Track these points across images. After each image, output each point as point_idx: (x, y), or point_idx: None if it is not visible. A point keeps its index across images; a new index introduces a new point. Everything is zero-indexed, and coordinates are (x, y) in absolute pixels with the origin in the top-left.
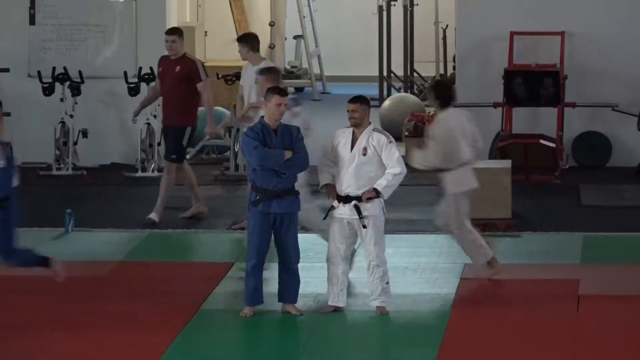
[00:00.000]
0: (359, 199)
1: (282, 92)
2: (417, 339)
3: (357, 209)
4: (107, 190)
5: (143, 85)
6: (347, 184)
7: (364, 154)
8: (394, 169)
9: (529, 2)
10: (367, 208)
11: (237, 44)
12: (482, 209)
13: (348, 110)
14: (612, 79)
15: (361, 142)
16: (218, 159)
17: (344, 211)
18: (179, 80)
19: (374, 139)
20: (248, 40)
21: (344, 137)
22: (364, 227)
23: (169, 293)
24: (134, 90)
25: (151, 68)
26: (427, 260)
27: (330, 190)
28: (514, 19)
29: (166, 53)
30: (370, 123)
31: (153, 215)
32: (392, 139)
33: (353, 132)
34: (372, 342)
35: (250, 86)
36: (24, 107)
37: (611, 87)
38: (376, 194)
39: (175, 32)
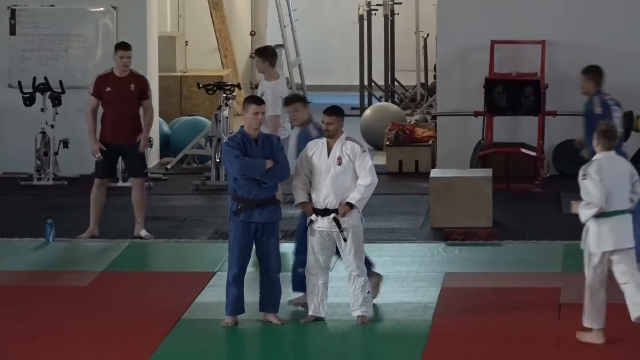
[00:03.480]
0: (337, 211)
1: (258, 101)
2: (399, 348)
3: (337, 221)
4: (88, 201)
5: None
6: (325, 195)
7: (339, 164)
8: (365, 180)
9: (510, 11)
10: (346, 220)
11: (256, 57)
12: (463, 218)
13: (323, 122)
14: None
15: (335, 152)
16: (199, 169)
17: (323, 224)
18: (135, 99)
19: (348, 147)
20: (268, 56)
21: (317, 148)
22: (345, 240)
23: (150, 303)
24: None
25: None
26: (408, 269)
27: (307, 207)
28: (494, 27)
29: (102, 71)
30: (343, 132)
31: (143, 232)
32: (366, 148)
33: (327, 142)
34: (353, 351)
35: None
36: (4, 118)
37: None
38: (350, 207)
39: (130, 47)
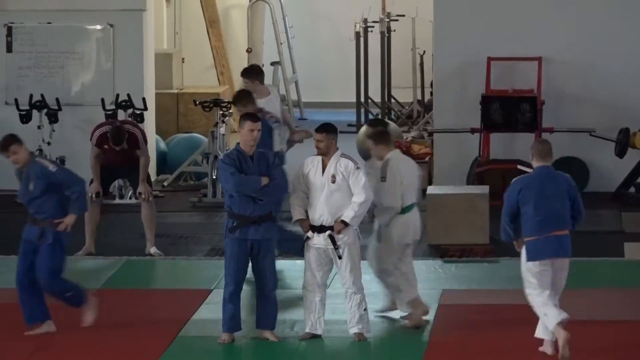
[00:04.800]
0: (332, 228)
1: (254, 118)
2: None
3: (332, 239)
4: (84, 218)
5: (120, 112)
6: (320, 213)
7: (333, 181)
8: (359, 197)
9: (506, 27)
10: (341, 237)
11: (243, 79)
12: (459, 235)
13: (315, 140)
14: (589, 104)
15: (329, 170)
16: (195, 186)
17: (319, 241)
18: (131, 151)
19: (342, 165)
20: (255, 74)
21: (313, 165)
22: (340, 257)
23: (146, 320)
24: (111, 117)
25: (129, 95)
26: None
27: (304, 223)
28: (491, 44)
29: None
30: (337, 149)
31: (153, 250)
32: (360, 165)
33: (322, 159)
34: None
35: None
36: (0, 135)
37: (588, 112)
38: (345, 225)
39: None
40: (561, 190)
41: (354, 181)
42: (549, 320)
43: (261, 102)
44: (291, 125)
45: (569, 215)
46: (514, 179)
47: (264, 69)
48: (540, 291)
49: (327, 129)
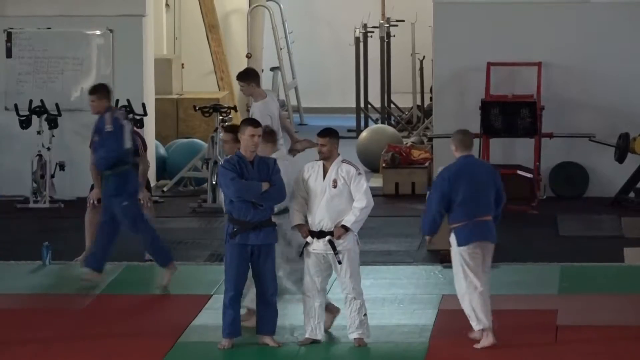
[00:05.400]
0: (332, 234)
1: (255, 124)
2: None
3: (332, 244)
4: (84, 223)
5: None
6: (320, 218)
7: (334, 186)
8: (360, 203)
9: (506, 33)
10: (341, 242)
11: (239, 83)
12: None
13: (317, 144)
14: (589, 109)
15: (331, 175)
16: (195, 191)
17: (318, 246)
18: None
19: (343, 170)
20: (251, 77)
21: (313, 170)
22: (340, 262)
23: (146, 325)
24: None
25: (128, 100)
26: (405, 291)
27: (303, 229)
28: (490, 49)
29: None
30: (339, 154)
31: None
32: (362, 170)
33: (323, 164)
34: None
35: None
36: (0, 140)
37: (588, 117)
38: (345, 230)
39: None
40: (487, 177)
41: (355, 187)
42: (474, 323)
43: (258, 105)
44: (292, 133)
45: (493, 202)
46: (441, 170)
47: (263, 74)
48: (472, 289)
49: (331, 133)
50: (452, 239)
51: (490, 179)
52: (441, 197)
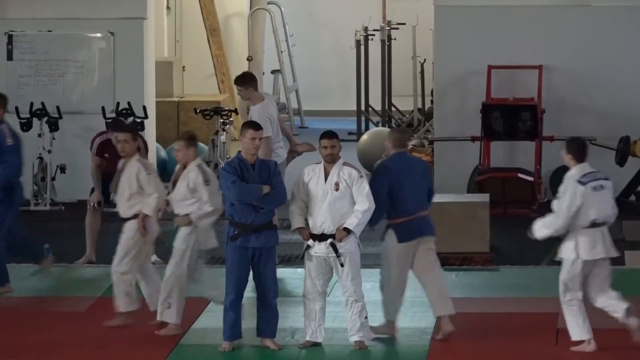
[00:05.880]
0: (334, 236)
1: (256, 127)
2: None
3: (334, 247)
4: (85, 226)
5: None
6: (322, 221)
7: (337, 189)
8: (363, 205)
9: (507, 36)
10: (343, 245)
11: (237, 87)
12: (460, 243)
13: (325, 147)
14: (589, 112)
15: (332, 177)
16: None
17: (320, 249)
18: None
19: (345, 173)
20: (249, 81)
21: (314, 173)
22: (342, 265)
23: (147, 328)
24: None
25: (129, 103)
26: (405, 294)
27: (304, 232)
28: (491, 52)
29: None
30: (340, 157)
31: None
32: (363, 173)
33: (324, 167)
34: None
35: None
36: None
37: (589, 120)
38: (347, 232)
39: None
40: (422, 173)
41: (357, 189)
42: (384, 314)
43: (257, 108)
44: (291, 136)
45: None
46: (378, 166)
47: (264, 77)
48: (395, 285)
49: (336, 134)
50: (390, 235)
51: (426, 175)
52: (384, 194)
